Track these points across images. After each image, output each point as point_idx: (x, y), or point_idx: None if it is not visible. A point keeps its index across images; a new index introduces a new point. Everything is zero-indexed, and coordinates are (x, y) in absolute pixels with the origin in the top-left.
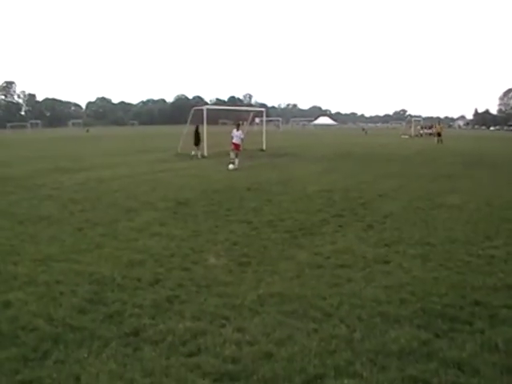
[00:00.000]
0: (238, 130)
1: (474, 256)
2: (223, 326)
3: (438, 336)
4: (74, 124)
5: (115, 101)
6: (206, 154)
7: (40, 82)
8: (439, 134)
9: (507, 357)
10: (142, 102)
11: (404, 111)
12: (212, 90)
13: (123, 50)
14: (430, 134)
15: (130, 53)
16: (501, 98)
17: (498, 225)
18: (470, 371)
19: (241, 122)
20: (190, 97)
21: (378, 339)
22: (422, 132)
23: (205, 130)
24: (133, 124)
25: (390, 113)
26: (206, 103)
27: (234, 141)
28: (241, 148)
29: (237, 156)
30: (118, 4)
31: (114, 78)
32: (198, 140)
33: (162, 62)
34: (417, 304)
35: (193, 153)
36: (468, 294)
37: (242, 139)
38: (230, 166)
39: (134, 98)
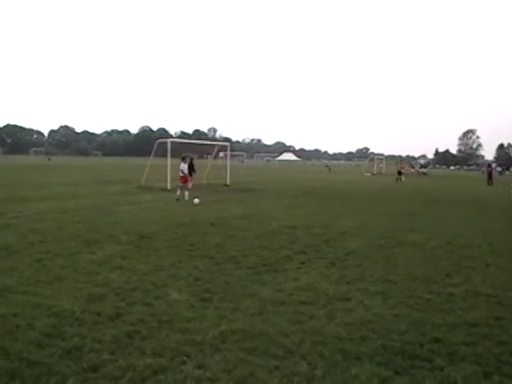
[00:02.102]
0: (185, 163)
1: (434, 293)
2: (184, 362)
3: (397, 373)
4: (35, 152)
5: (78, 130)
6: (168, 187)
7: (1, 107)
8: (400, 173)
9: None
10: (107, 132)
11: (367, 149)
12: (177, 122)
13: (87, 78)
14: (425, 174)
15: (94, 81)
16: (460, 139)
17: (457, 263)
18: None
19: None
20: (155, 128)
21: (339, 376)
22: (413, 170)
23: (168, 163)
24: (96, 154)
25: (353, 150)
26: (171, 136)
27: (182, 174)
28: (189, 180)
29: (187, 188)
30: (82, 31)
31: (77, 106)
32: (191, 172)
33: (126, 92)
34: (377, 341)
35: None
36: (428, 332)
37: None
38: (196, 200)
39: (98, 128)
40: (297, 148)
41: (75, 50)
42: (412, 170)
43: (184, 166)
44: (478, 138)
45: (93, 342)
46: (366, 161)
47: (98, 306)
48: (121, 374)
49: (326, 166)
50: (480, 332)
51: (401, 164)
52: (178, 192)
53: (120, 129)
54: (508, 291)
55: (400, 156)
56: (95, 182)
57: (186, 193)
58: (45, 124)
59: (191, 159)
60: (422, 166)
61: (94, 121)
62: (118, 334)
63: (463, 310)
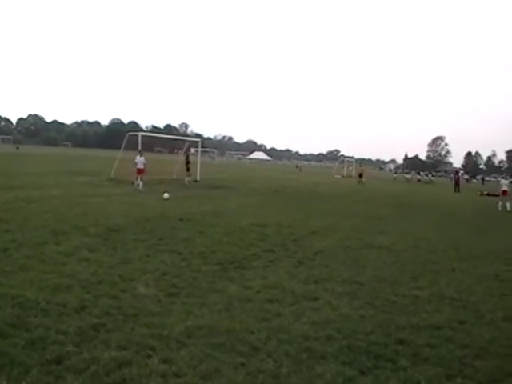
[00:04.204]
0: (141, 156)
1: (400, 296)
2: (149, 356)
3: (362, 373)
4: (3, 140)
5: (48, 119)
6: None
7: None
8: (361, 175)
9: None
10: (76, 122)
11: (337, 151)
12: (148, 116)
13: (58, 65)
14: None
15: (65, 69)
16: (429, 145)
17: (423, 266)
18: None
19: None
20: (126, 121)
21: (304, 374)
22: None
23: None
24: (66, 145)
25: (324, 152)
26: (142, 129)
27: (138, 166)
28: (145, 172)
29: (141, 179)
30: (55, 18)
31: (47, 95)
32: (188, 167)
33: (98, 82)
34: (343, 341)
35: (186, 180)
36: (393, 333)
37: (145, 164)
38: (165, 195)
39: (68, 118)
40: (268, 147)
41: (48, 37)
42: (408, 177)
43: (139, 159)
44: (446, 145)
45: (57, 334)
46: (337, 163)
47: (64, 297)
48: (85, 367)
49: (297, 166)
50: (444, 335)
51: (361, 167)
52: (136, 183)
53: (90, 120)
54: (472, 295)
55: (370, 160)
56: (64, 173)
57: (141, 183)
58: (13, 111)
59: (187, 155)
60: (418, 173)
61: (64, 111)
62: (83, 326)
63: (428, 313)
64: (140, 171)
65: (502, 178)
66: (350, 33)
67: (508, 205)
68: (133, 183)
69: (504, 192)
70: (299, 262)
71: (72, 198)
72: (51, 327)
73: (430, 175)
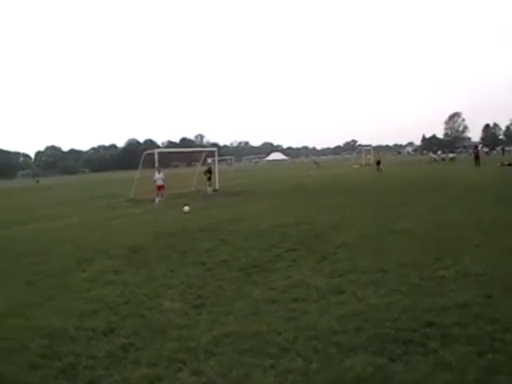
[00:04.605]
0: (159, 173)
1: (425, 278)
2: (180, 369)
3: (392, 360)
4: (22, 175)
5: (65, 148)
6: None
7: None
8: (378, 163)
9: (460, 374)
10: (93, 148)
11: (354, 141)
12: (163, 131)
13: (70, 96)
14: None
15: (77, 98)
16: (446, 123)
17: (446, 245)
18: None
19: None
20: (142, 140)
21: (333, 369)
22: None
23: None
24: (84, 172)
25: (341, 144)
26: (158, 146)
27: (157, 183)
28: (165, 188)
29: (162, 196)
30: (62, 47)
31: (62, 125)
32: (209, 177)
33: (111, 106)
34: (371, 331)
35: (208, 190)
36: (420, 316)
37: (164, 180)
38: (186, 208)
39: (85, 145)
40: (284, 147)
41: (53, 67)
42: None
43: (158, 176)
44: (463, 120)
45: (87, 359)
46: (354, 153)
47: (91, 322)
48: None
49: (315, 162)
50: (471, 312)
51: (378, 155)
52: (157, 200)
53: (107, 144)
54: (497, 269)
55: (387, 145)
56: (83, 199)
57: (162, 199)
58: (31, 145)
59: (209, 167)
60: (443, 153)
61: (81, 138)
62: (111, 348)
63: (454, 292)
64: (160, 188)
65: None
66: (351, 21)
67: None
68: (153, 201)
69: None
70: (322, 258)
71: (92, 223)
72: (81, 353)
73: (444, 154)
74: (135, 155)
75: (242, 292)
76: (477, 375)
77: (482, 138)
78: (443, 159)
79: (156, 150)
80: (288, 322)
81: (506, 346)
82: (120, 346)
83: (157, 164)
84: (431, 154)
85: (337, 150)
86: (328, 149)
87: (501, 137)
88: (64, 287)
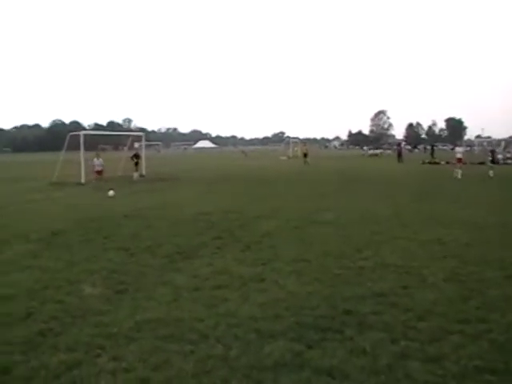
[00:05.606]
0: (98, 158)
1: (345, 268)
2: (99, 355)
3: (310, 347)
4: None
5: None
6: (83, 181)
7: None
8: (305, 155)
9: (374, 360)
10: (16, 127)
11: (282, 133)
12: (90, 114)
13: None
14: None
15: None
16: (372, 119)
17: (368, 237)
18: (341, 376)
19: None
20: (67, 121)
21: (253, 355)
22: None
23: (82, 156)
24: (6, 151)
25: (269, 135)
26: (84, 128)
27: (96, 169)
28: (103, 174)
29: (101, 180)
30: None
31: None
32: (136, 162)
33: (35, 83)
34: (291, 318)
35: (135, 175)
36: (339, 305)
37: (103, 166)
38: (110, 193)
39: (7, 123)
40: (213, 135)
41: None
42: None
43: (97, 162)
44: (388, 118)
45: (3, 345)
46: (282, 145)
47: (8, 307)
48: (34, 374)
49: (243, 151)
50: (388, 301)
51: (305, 147)
52: (94, 182)
53: (30, 123)
54: (414, 261)
55: (315, 139)
56: (4, 180)
57: (97, 182)
58: None
59: (137, 152)
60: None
61: (2, 116)
62: (29, 333)
63: (373, 282)
64: (99, 173)
65: (457, 145)
66: (293, 13)
67: (459, 172)
68: (82, 184)
69: (459, 160)
70: (246, 246)
71: (13, 205)
72: None
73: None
74: (60, 136)
75: (165, 278)
76: (389, 360)
77: (406, 136)
78: (376, 154)
79: (82, 132)
80: (209, 309)
81: (418, 333)
82: (38, 331)
83: (82, 147)
84: (367, 150)
85: (265, 141)
86: (256, 139)
87: (423, 136)
88: None
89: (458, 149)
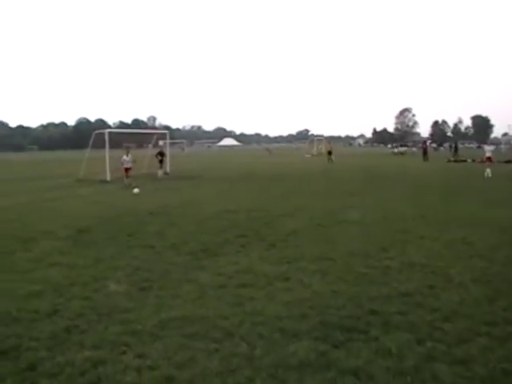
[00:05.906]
0: (127, 155)
1: (371, 267)
2: (124, 352)
3: (335, 347)
4: None
5: (12, 125)
6: (108, 178)
7: None
8: (330, 153)
9: (399, 360)
10: (42, 125)
11: (307, 131)
12: (115, 112)
13: (20, 70)
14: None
15: (27, 73)
16: (397, 117)
17: (393, 236)
18: (366, 377)
19: (127, 147)
20: (93, 120)
21: (277, 354)
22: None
23: (107, 154)
24: (32, 149)
25: (294, 132)
26: (110, 126)
27: (125, 166)
28: (130, 172)
29: (128, 178)
30: (12, 17)
31: (10, 100)
32: (161, 160)
33: (62, 83)
34: (316, 318)
35: (159, 173)
36: (364, 305)
37: (132, 163)
38: (135, 190)
39: (34, 122)
40: (237, 133)
41: (7, 39)
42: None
43: (126, 159)
44: (413, 116)
45: (30, 341)
46: (307, 142)
47: (35, 303)
48: (59, 370)
49: (267, 149)
50: (413, 301)
51: (330, 145)
52: (126, 182)
53: (56, 121)
54: (440, 260)
55: (339, 136)
56: (32, 178)
57: (128, 180)
58: None
59: (161, 150)
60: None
61: (29, 115)
62: (55, 330)
63: (398, 282)
64: (127, 170)
65: (487, 144)
66: (313, 10)
67: (489, 171)
68: (107, 181)
69: (488, 159)
70: (271, 245)
71: (40, 202)
72: (23, 335)
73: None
74: (86, 135)
75: (189, 276)
76: (416, 362)
77: (431, 134)
78: (401, 153)
79: (107, 130)
80: (234, 308)
81: (444, 334)
82: (64, 327)
83: (107, 144)
84: (392, 148)
85: (289, 139)
86: (280, 137)
87: (448, 133)
88: (7, 268)
89: (487, 147)
